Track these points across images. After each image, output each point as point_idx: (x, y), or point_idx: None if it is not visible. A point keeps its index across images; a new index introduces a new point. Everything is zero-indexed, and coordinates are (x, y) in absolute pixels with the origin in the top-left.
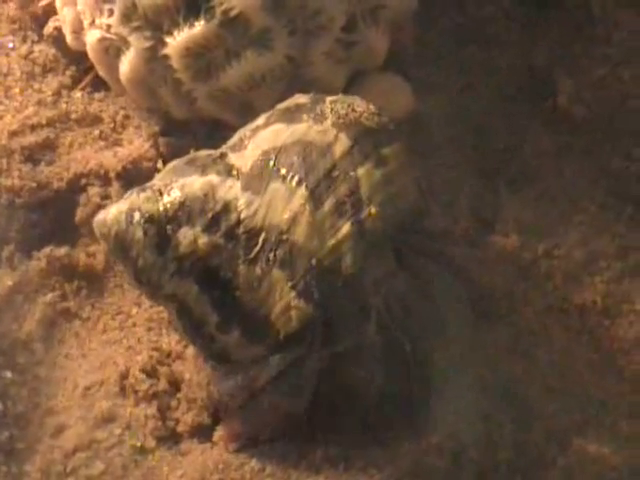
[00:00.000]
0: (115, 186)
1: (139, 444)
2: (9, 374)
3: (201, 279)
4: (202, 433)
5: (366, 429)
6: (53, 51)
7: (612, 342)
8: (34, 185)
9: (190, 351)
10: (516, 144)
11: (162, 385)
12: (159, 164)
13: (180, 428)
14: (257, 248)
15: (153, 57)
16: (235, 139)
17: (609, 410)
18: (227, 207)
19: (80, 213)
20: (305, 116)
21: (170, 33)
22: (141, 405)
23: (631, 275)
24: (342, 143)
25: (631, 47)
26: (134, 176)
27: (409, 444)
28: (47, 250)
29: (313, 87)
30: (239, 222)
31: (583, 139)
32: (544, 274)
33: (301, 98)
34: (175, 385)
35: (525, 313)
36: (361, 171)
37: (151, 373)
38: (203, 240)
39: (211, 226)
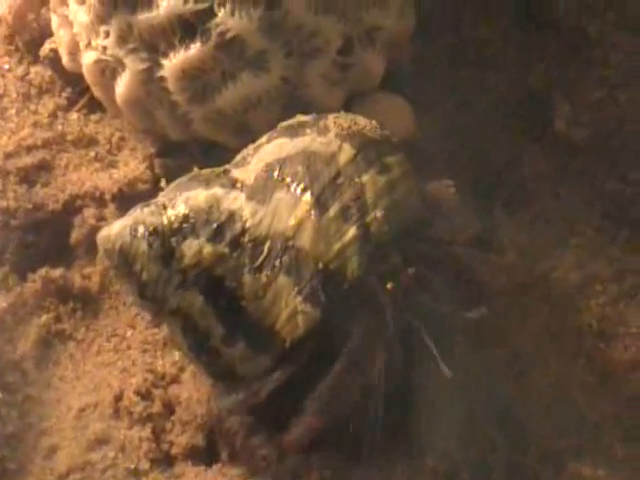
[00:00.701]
0: (110, 208)
1: (133, 466)
2: (0, 395)
3: (206, 290)
4: (196, 455)
5: (361, 450)
6: (49, 72)
7: (608, 365)
8: (29, 206)
9: (186, 375)
10: (512, 166)
11: (156, 407)
12: (162, 183)
13: (174, 450)
14: (263, 256)
15: (149, 79)
16: (238, 158)
17: (605, 433)
18: (232, 217)
19: (75, 235)
20: (308, 130)
21: (166, 55)
22: (135, 427)
23: (627, 298)
24: (346, 152)
25: (628, 69)
26: (130, 198)
27: (404, 466)
28: (42, 272)
29: (309, 109)
30: (244, 231)
31: (579, 161)
32: (540, 296)
33: (303, 117)
34: (169, 407)
35: (521, 335)
36: (366, 177)
37: (145, 395)
38: (208, 250)
39: (216, 236)
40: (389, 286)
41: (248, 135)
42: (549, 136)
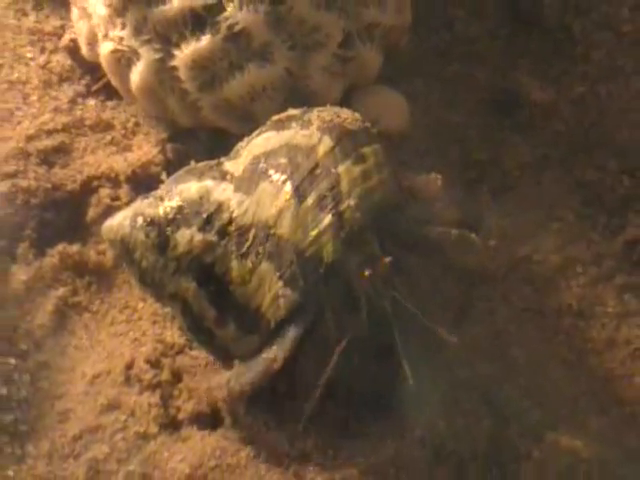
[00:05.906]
0: (125, 188)
1: (142, 430)
2: (13, 362)
3: (198, 276)
4: (201, 421)
5: (350, 422)
6: (69, 61)
7: (586, 343)
8: (49, 186)
9: (193, 345)
10: (497, 156)
11: (165, 375)
12: (163, 176)
13: (181, 416)
14: (248, 243)
15: (162, 68)
16: (233, 150)
17: (581, 407)
18: (220, 207)
19: (91, 213)
20: (294, 124)
21: (178, 46)
22: (145, 394)
23: (605, 280)
24: (325, 144)
25: (608, 66)
26: (143, 179)
27: (393, 437)
28: (60, 247)
29: (311, 99)
30: (231, 220)
31: (561, 152)
32: (522, 278)
33: (293, 111)
34: (177, 376)
35: (503, 314)
36: (341, 168)
37: (155, 364)
38: (198, 238)
39: (205, 225)
40: (366, 273)
41: (253, 123)
42: (531, 127)
